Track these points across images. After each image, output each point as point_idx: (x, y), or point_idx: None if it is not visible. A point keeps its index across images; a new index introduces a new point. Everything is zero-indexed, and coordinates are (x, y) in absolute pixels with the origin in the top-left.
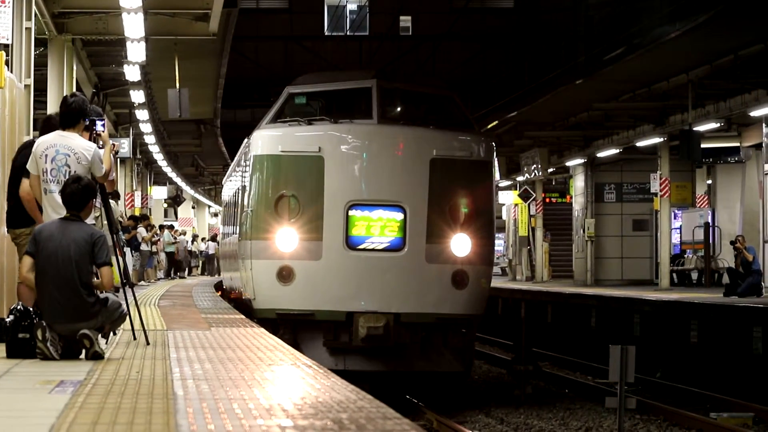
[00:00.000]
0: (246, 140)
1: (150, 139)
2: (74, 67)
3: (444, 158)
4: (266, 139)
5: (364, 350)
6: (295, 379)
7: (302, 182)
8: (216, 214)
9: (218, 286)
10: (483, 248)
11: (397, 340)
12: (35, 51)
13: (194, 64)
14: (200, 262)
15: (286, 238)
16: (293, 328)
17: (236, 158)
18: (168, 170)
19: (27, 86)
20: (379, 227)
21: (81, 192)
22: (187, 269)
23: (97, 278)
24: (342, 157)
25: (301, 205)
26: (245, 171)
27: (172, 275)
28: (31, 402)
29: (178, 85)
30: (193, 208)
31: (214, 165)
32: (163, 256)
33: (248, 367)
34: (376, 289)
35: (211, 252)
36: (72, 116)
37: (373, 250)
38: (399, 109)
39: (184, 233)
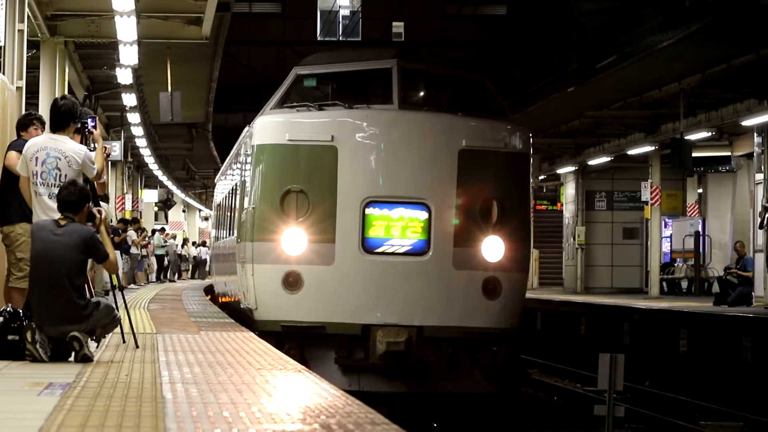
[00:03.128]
0: (247, 128)
1: (141, 143)
2: (66, 70)
3: (474, 149)
4: (271, 127)
5: (382, 369)
6: (283, 384)
7: (312, 176)
8: (207, 218)
9: (208, 290)
10: (518, 253)
11: (420, 358)
12: (27, 53)
13: (186, 67)
14: (190, 265)
15: (294, 239)
16: (301, 342)
17: (234, 150)
18: (159, 174)
19: (19, 88)
20: (399, 228)
21: (77, 194)
22: (177, 273)
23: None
24: (358, 147)
25: (310, 201)
26: (246, 163)
27: (162, 279)
28: (19, 404)
29: (170, 88)
30: (184, 211)
31: (205, 169)
32: (153, 260)
33: (237, 371)
34: (396, 298)
35: (202, 257)
36: (62, 119)
37: (393, 254)
38: (423, 93)
39: (174, 237)
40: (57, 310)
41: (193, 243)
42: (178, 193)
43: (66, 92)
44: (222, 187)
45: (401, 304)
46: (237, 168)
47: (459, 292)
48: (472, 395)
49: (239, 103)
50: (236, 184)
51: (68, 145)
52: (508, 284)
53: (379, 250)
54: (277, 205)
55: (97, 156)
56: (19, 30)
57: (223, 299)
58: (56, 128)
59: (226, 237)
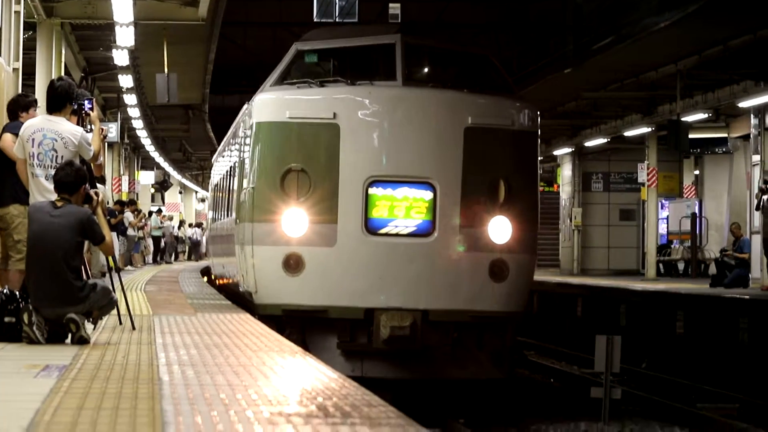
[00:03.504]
0: (246, 105)
1: (138, 124)
2: (63, 51)
3: (481, 127)
4: (271, 104)
5: (386, 354)
6: (280, 366)
7: (313, 154)
8: (203, 200)
9: (204, 272)
10: (526, 234)
11: (425, 342)
12: (24, 35)
13: (183, 49)
14: (186, 247)
15: (294, 220)
16: (302, 327)
17: (232, 128)
18: (155, 155)
19: (15, 70)
20: (404, 208)
21: (74, 175)
22: (173, 254)
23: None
24: (360, 124)
25: (312, 181)
26: (245, 142)
27: (158, 260)
28: (16, 386)
29: (166, 70)
30: (181, 193)
31: (201, 150)
32: (149, 241)
33: (234, 352)
34: (400, 281)
35: (197, 238)
36: (59, 100)
37: (396, 235)
38: (427, 69)
39: (171, 218)
40: (54, 292)
41: (190, 224)
42: (175, 175)
43: (62, 74)
44: (219, 167)
45: (405, 287)
46: (235, 147)
47: (465, 275)
48: (479, 381)
49: (236, 84)
50: (234, 164)
51: (64, 127)
52: (516, 266)
53: (383, 231)
54: (277, 184)
55: (93, 138)
56: (15, 11)
57: (222, 282)
58: (53, 109)
59: (224, 218)
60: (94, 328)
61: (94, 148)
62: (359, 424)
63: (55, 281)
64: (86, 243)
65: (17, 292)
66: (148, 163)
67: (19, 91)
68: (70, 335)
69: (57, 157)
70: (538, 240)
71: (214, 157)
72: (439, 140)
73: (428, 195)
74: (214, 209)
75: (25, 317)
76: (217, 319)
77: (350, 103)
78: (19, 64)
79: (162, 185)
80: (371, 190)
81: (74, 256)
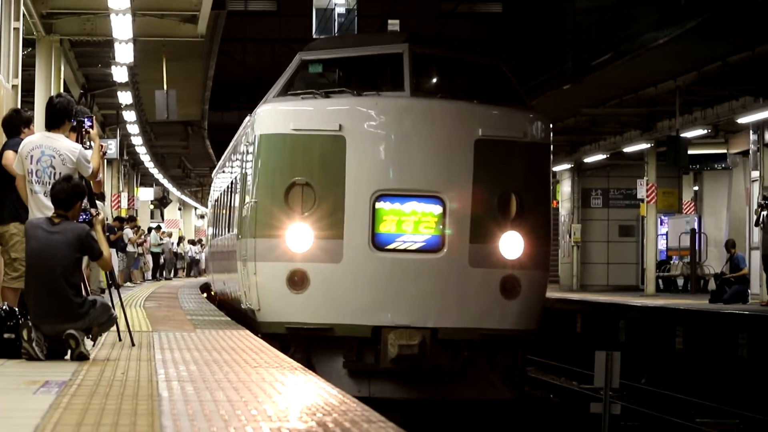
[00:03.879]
0: (248, 117)
1: (137, 141)
2: (62, 68)
3: (492, 139)
4: (274, 115)
5: (393, 373)
6: (280, 382)
7: (318, 167)
8: (202, 216)
9: (204, 288)
10: (538, 249)
11: (434, 362)
12: (23, 51)
13: (182, 65)
14: (186, 264)
15: (299, 235)
16: (307, 345)
17: (233, 142)
18: (155, 172)
19: (14, 86)
20: (412, 223)
21: (70, 191)
22: (172, 271)
23: (90, 270)
24: (367, 136)
25: (316, 195)
26: (247, 155)
27: (157, 277)
28: (15, 402)
29: (165, 86)
30: (180, 209)
31: (200, 167)
32: (149, 258)
33: (233, 369)
34: (408, 298)
35: (196, 256)
36: (57, 116)
37: (405, 250)
38: (436, 79)
39: (170, 235)
40: (53, 309)
41: (189, 241)
42: (174, 191)
43: (61, 90)
44: (220, 182)
45: (414, 305)
46: (237, 161)
47: (476, 292)
48: (489, 401)
49: (235, 100)
50: (236, 178)
51: (63, 144)
52: (528, 283)
53: (391, 246)
54: (281, 198)
55: (93, 155)
56: (14, 28)
57: (222, 298)
58: (51, 126)
59: (225, 233)
60: (93, 345)
61: (93, 166)
62: None
63: (55, 298)
64: (86, 259)
65: (16, 309)
66: (147, 180)
67: (18, 107)
68: (69, 351)
69: (55, 173)
70: (550, 256)
71: (214, 172)
72: (449, 153)
73: (437, 209)
74: (215, 225)
75: (25, 333)
76: (217, 335)
77: (356, 115)
78: (18, 81)
79: (161, 202)
80: (378, 204)
81: (73, 273)
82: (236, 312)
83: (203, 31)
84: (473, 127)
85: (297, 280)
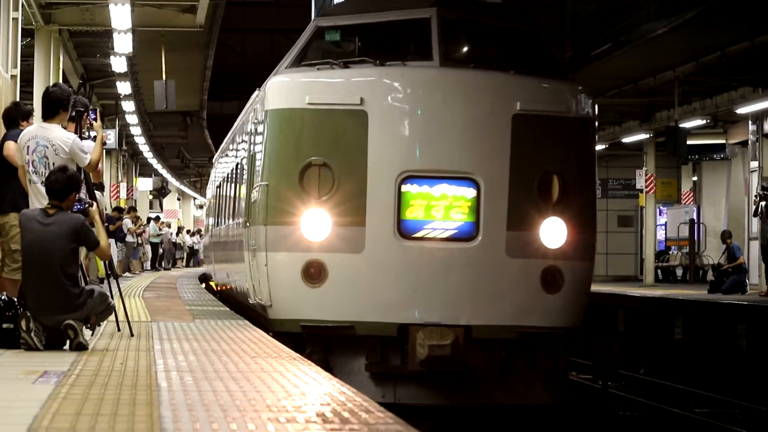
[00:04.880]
0: (257, 92)
1: (136, 131)
2: (61, 58)
3: (531, 114)
4: (287, 88)
5: (422, 377)
6: (279, 372)
7: (337, 146)
8: (201, 206)
9: (203, 278)
10: (582, 237)
11: (467, 364)
12: (22, 41)
13: (181, 55)
14: (185, 254)
15: (316, 222)
16: (325, 345)
17: (239, 120)
18: (153, 162)
19: (13, 77)
20: (442, 208)
21: (65, 182)
22: (171, 261)
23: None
24: (392, 111)
25: (335, 177)
26: (256, 134)
27: (156, 267)
28: (14, 392)
29: (164, 76)
30: (179, 199)
31: (199, 157)
32: (148, 248)
33: (232, 359)
34: (439, 293)
35: (195, 246)
36: (51, 107)
37: (434, 239)
38: (468, 47)
39: (169, 225)
40: (51, 300)
41: (188, 231)
42: (173, 182)
43: (60, 80)
44: (223, 167)
45: (445, 300)
46: (243, 141)
47: (514, 285)
48: (529, 407)
49: (234, 91)
50: (242, 160)
51: (55, 134)
52: (571, 274)
53: (419, 234)
54: (295, 181)
55: (95, 146)
56: (13, 18)
57: (225, 291)
58: (46, 116)
59: (229, 221)
60: (92, 335)
61: (93, 157)
62: (358, 430)
63: (52, 289)
64: (84, 249)
65: (15, 299)
66: (146, 170)
67: (17, 98)
68: (68, 342)
69: (49, 163)
70: (596, 244)
71: (215, 157)
72: (483, 129)
73: (471, 192)
74: (217, 212)
75: (23, 324)
76: (216, 325)
77: (380, 87)
78: (17, 71)
79: (160, 192)
80: (405, 188)
81: (70, 263)
82: (242, 307)
83: (202, 21)
84: (510, 100)
85: (313, 273)
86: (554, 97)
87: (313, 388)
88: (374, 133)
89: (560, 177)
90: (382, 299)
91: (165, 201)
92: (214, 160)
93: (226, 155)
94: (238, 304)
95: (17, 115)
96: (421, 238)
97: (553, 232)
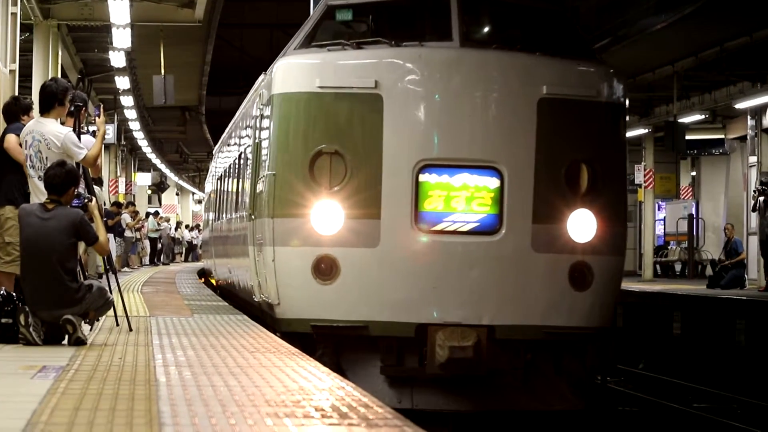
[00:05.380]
0: (262, 76)
1: (135, 126)
2: (59, 53)
3: (558, 98)
4: (296, 70)
5: (441, 381)
6: (277, 367)
7: (350, 132)
8: (200, 201)
9: (201, 273)
10: (613, 230)
11: (491, 366)
12: (21, 36)
13: (180, 50)
14: (183, 249)
15: (327, 214)
16: (337, 347)
17: (242, 107)
18: (152, 157)
19: (12, 71)
20: (463, 199)
21: (63, 176)
22: (170, 256)
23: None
24: (408, 95)
25: (348, 166)
26: (262, 119)
27: (155, 262)
28: (12, 387)
29: (163, 71)
30: (177, 194)
31: (198, 152)
32: (146, 243)
33: (231, 353)
34: (460, 290)
35: (194, 242)
36: (47, 101)
37: (455, 232)
38: (490, 27)
39: (168, 220)
40: (49, 295)
41: (186, 226)
42: (172, 176)
43: (59, 75)
44: (224, 158)
45: (466, 298)
46: (248, 129)
47: (540, 282)
48: (555, 413)
49: (233, 86)
50: (246, 150)
51: (48, 128)
52: (601, 271)
53: (438, 227)
54: (305, 170)
55: (96, 142)
56: (12, 13)
57: (226, 288)
58: (42, 111)
59: (231, 214)
60: (90, 329)
61: (92, 152)
62: (356, 425)
63: (51, 284)
64: (82, 244)
65: (14, 294)
66: (144, 165)
67: (16, 93)
68: (66, 336)
69: (43, 158)
70: (626, 238)
71: (216, 148)
72: (507, 114)
73: (494, 182)
74: (218, 205)
75: (22, 318)
76: (214, 320)
77: (395, 69)
78: (16, 66)
79: (159, 187)
80: (423, 177)
81: (68, 258)
82: (246, 304)
83: (201, 16)
84: (536, 83)
85: (324, 269)
86: (583, 80)
87: (312, 383)
88: (390, 118)
89: (589, 166)
90: (398, 297)
91: (164, 196)
92: (214, 152)
93: (228, 146)
94: (241, 302)
95: (17, 110)
96: (441, 231)
97: (582, 224)
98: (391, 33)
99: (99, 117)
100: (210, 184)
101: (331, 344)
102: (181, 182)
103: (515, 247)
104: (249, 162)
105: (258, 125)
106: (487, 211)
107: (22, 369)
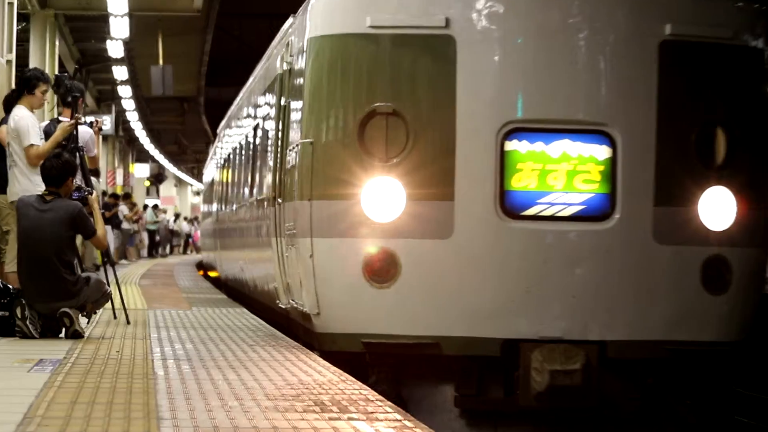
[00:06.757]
0: (290, 20)
1: (132, 116)
2: (56, 43)
3: (686, 41)
4: (340, 6)
5: (537, 415)
6: (276, 360)
7: (413, 87)
8: (198, 193)
9: (199, 265)
10: (757, 214)
11: (602, 395)
12: (17, 26)
13: (178, 41)
14: (182, 241)
15: (383, 195)
16: (396, 371)
17: (261, 65)
18: (150, 148)
19: (9, 61)
20: (564, 174)
21: (60, 167)
22: (168, 248)
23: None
24: (488, 38)
25: (410, 130)
26: (291, 75)
27: (153, 254)
28: (9, 380)
29: (161, 61)
30: (176, 186)
31: (197, 143)
32: (144, 235)
33: (229, 347)
34: (561, 295)
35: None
36: (17, 90)
37: (553, 218)
38: None
39: (165, 212)
40: (47, 287)
41: (185, 218)
42: (170, 168)
43: (56, 65)
44: (234, 134)
45: (570, 305)
46: (269, 93)
47: (664, 282)
48: None
49: (231, 76)
50: (265, 119)
51: (12, 113)
52: (742, 267)
53: (530, 212)
54: (352, 136)
55: (95, 140)
56: (8, 2)
57: (238, 289)
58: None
59: (243, 199)
60: (88, 322)
61: (35, 150)
62: (356, 419)
63: (48, 277)
64: (80, 236)
65: (10, 286)
66: (142, 156)
67: (13, 83)
68: (64, 329)
69: (6, 143)
70: None
71: (221, 126)
72: (620, 62)
73: (603, 152)
74: (224, 191)
75: (18, 311)
76: (213, 313)
77: (472, 4)
78: (13, 56)
79: (157, 178)
80: (509, 145)
81: (66, 251)
82: (265, 310)
83: (200, 6)
84: (657, 22)
85: (380, 268)
86: (716, 17)
87: (312, 376)
88: (465, 68)
89: (726, 131)
90: (478, 305)
91: (162, 187)
92: (219, 130)
93: (239, 119)
94: (257, 305)
95: (15, 101)
96: (534, 217)
97: (719, 207)
98: None
99: (96, 125)
100: (213, 169)
101: (388, 367)
102: (179, 174)
103: (632, 236)
104: (270, 133)
105: (286, 83)
106: (595, 189)
107: (19, 362)
